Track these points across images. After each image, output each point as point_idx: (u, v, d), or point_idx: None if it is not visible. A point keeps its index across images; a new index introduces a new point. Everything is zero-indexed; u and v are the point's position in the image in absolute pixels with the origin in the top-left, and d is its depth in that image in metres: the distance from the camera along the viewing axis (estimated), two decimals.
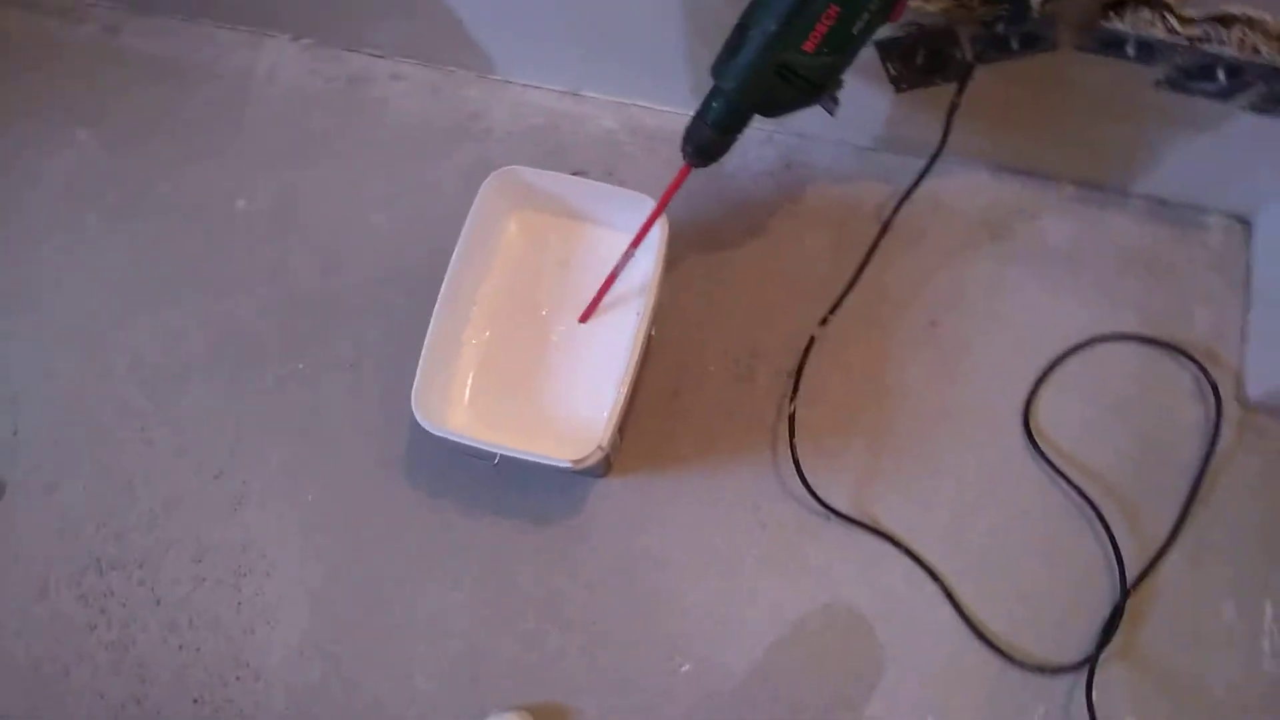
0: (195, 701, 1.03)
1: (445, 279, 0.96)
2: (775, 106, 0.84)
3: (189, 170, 1.23)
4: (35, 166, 1.25)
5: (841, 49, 0.79)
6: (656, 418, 1.08)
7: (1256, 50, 0.77)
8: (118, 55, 1.29)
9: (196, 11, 1.28)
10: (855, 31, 0.78)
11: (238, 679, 1.03)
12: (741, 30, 0.80)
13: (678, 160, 1.17)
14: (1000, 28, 0.80)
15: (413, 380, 1.09)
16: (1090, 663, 0.96)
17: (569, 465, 0.90)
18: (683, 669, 1.00)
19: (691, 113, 1.18)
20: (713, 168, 0.93)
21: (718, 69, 0.84)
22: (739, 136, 0.88)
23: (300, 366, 1.14)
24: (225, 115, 1.25)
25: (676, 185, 0.91)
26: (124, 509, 1.10)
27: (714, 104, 0.86)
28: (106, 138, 1.26)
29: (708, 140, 0.88)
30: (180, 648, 1.05)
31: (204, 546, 1.08)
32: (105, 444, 1.12)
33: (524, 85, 1.24)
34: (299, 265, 1.18)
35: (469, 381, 1.02)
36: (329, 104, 1.25)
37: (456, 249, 0.97)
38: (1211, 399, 1.04)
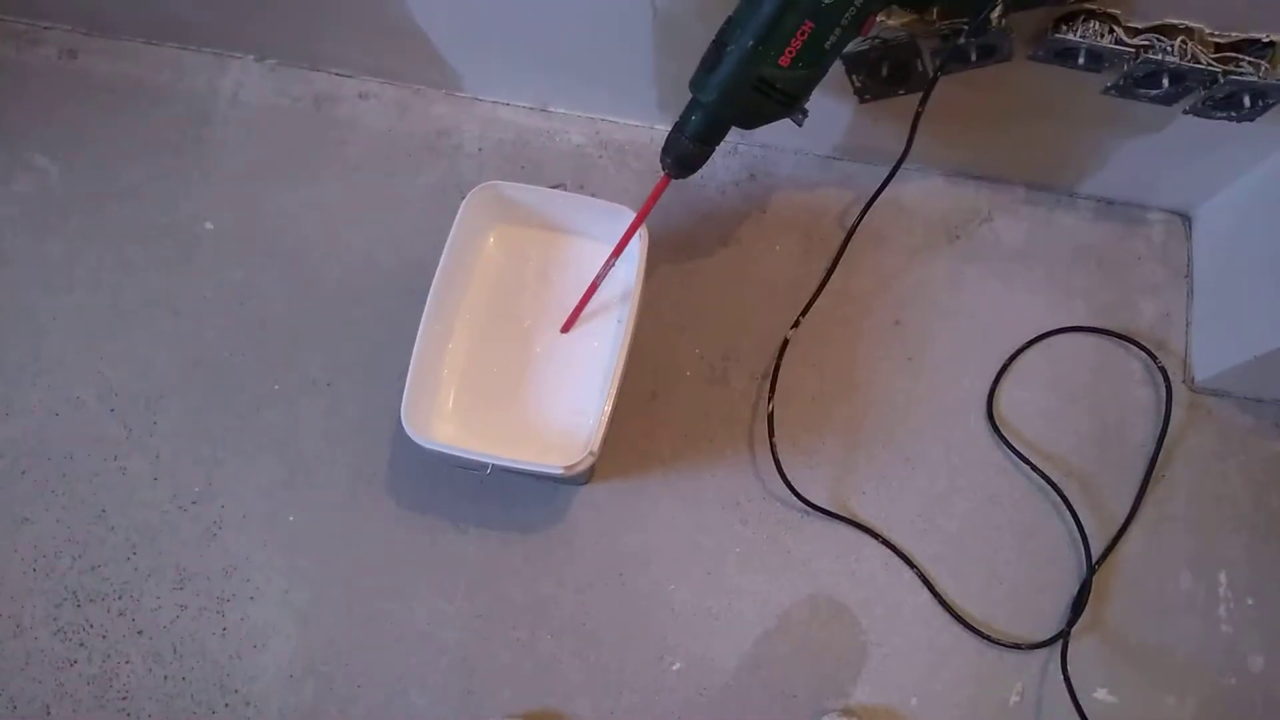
0: None
1: (430, 294, 0.97)
2: (752, 118, 0.87)
3: (153, 194, 1.22)
4: None
5: (815, 63, 0.83)
6: (635, 422, 1.10)
7: (1196, 58, 0.83)
8: (77, 79, 1.27)
9: (158, 33, 1.26)
10: (828, 46, 0.81)
11: (227, 705, 1.02)
12: (719, 46, 0.83)
13: (647, 172, 1.21)
14: (962, 40, 0.85)
15: (389, 397, 1.10)
16: (1063, 637, 1.01)
17: (560, 471, 0.92)
18: (674, 667, 1.03)
19: (659, 126, 1.22)
20: (680, 179, 0.95)
21: (696, 83, 0.86)
22: (716, 147, 0.92)
23: (275, 387, 1.13)
24: (190, 137, 1.24)
25: (656, 195, 0.94)
26: (100, 540, 1.08)
27: (693, 117, 0.88)
28: (67, 163, 1.23)
29: (687, 152, 0.90)
30: (166, 677, 1.03)
31: (185, 574, 1.07)
32: (78, 474, 1.10)
33: (492, 102, 1.25)
34: (269, 286, 1.17)
35: (454, 395, 1.03)
36: (296, 124, 1.25)
37: (440, 264, 0.98)
38: (1161, 383, 1.11)
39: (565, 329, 1.05)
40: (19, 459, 1.11)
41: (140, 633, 1.05)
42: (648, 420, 1.11)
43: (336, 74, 1.27)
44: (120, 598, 1.06)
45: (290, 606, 1.05)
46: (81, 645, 1.04)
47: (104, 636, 1.05)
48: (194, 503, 1.09)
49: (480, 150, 1.23)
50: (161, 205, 1.21)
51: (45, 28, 1.29)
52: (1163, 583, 1.05)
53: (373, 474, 1.09)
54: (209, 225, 1.20)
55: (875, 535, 1.06)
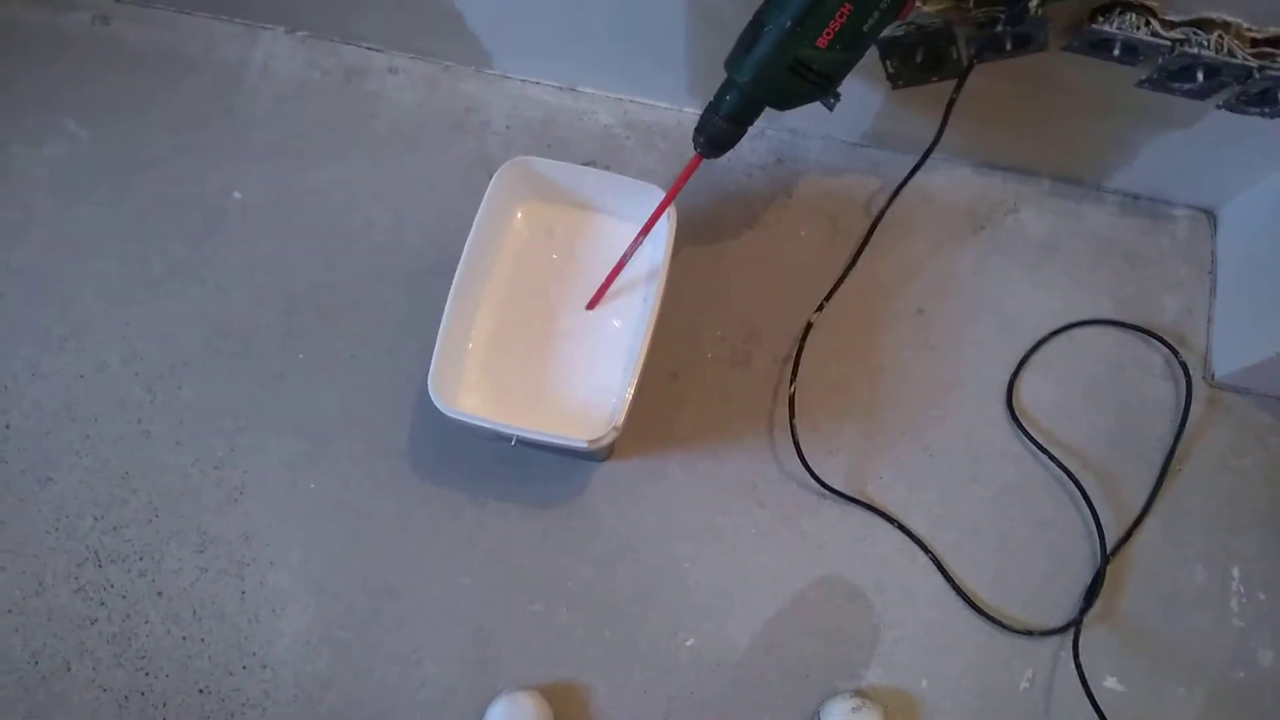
0: (201, 692, 1.03)
1: (459, 266, 0.98)
2: (786, 99, 0.88)
3: (182, 162, 1.22)
4: (23, 158, 1.22)
5: (852, 45, 0.83)
6: (655, 401, 1.11)
7: (1232, 53, 0.83)
8: (109, 45, 1.27)
9: (190, 2, 1.27)
10: (866, 29, 0.82)
11: (244, 668, 1.04)
12: (756, 26, 0.84)
13: (674, 154, 1.22)
14: (999, 28, 0.85)
15: (412, 370, 1.12)
16: (1075, 625, 1.02)
17: (584, 445, 0.92)
18: (687, 643, 1.04)
19: (687, 109, 1.23)
20: (707, 161, 0.96)
21: (732, 63, 0.87)
22: (749, 128, 0.92)
23: (300, 357, 1.14)
24: (219, 107, 1.25)
25: (687, 175, 0.95)
26: (122, 501, 1.09)
27: (727, 96, 0.89)
28: (96, 129, 1.24)
29: (720, 131, 0.91)
30: (184, 639, 1.05)
31: (206, 537, 1.08)
32: (102, 437, 1.11)
33: (521, 80, 1.25)
34: (296, 257, 1.18)
35: (479, 368, 1.04)
36: (325, 97, 1.25)
37: (469, 237, 0.99)
38: (1182, 378, 1.11)
39: (590, 306, 1.05)
40: (44, 420, 1.12)
41: (160, 594, 1.06)
42: (668, 399, 1.12)
43: (367, 48, 1.27)
44: (141, 559, 1.07)
45: (309, 574, 1.06)
46: (102, 604, 1.06)
47: (124, 596, 1.06)
48: (216, 468, 1.10)
49: (508, 128, 1.23)
50: (190, 174, 1.22)
51: None
52: (1176, 575, 1.06)
53: (393, 446, 1.10)
54: (237, 195, 1.21)
55: (891, 520, 1.07)
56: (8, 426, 1.11)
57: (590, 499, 1.09)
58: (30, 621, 1.05)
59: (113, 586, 1.06)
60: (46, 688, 1.03)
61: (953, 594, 1.05)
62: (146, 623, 1.05)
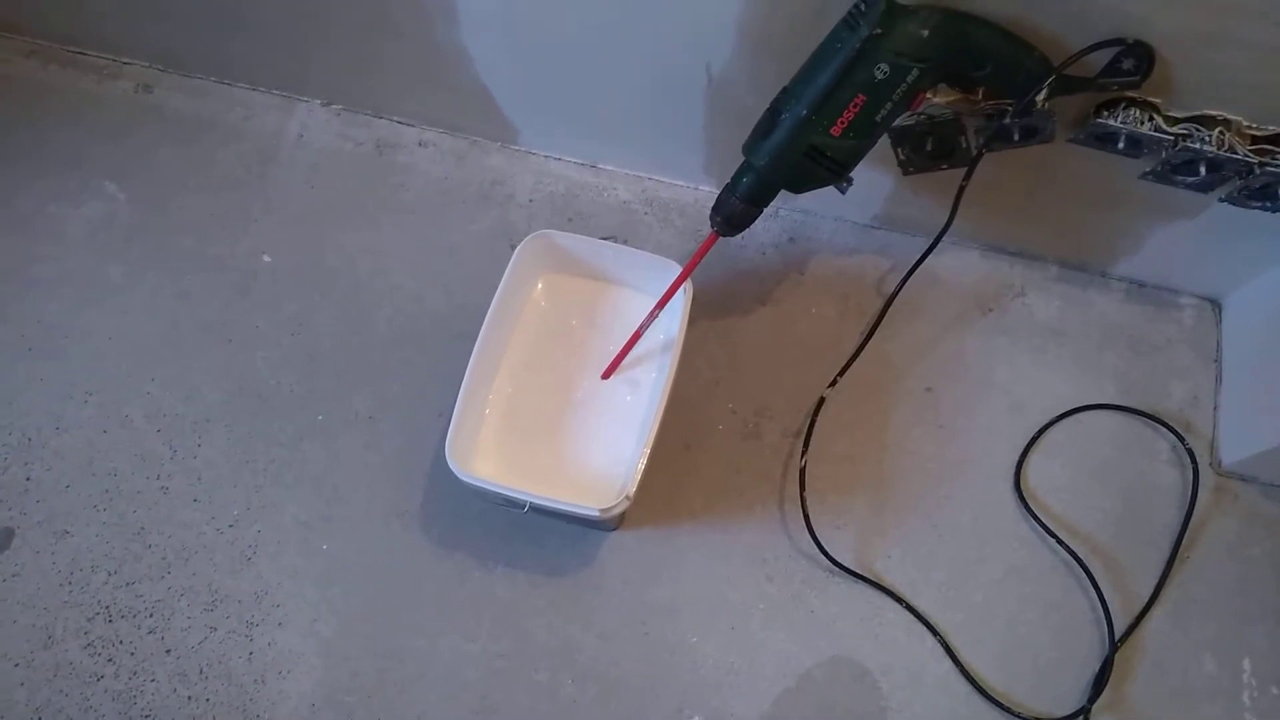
0: None
1: (480, 335, 1.01)
2: (801, 183, 0.91)
3: (215, 225, 1.26)
4: (60, 217, 1.27)
5: (865, 134, 0.87)
6: (666, 472, 1.12)
7: (1233, 149, 0.86)
8: (151, 112, 1.33)
9: (229, 73, 1.33)
10: (878, 119, 0.86)
11: None
12: (774, 114, 0.88)
13: (690, 230, 1.25)
14: (1006, 120, 0.89)
15: (429, 434, 1.14)
16: (1084, 714, 1.01)
17: (596, 514, 0.93)
18: (693, 719, 1.03)
19: (703, 187, 1.27)
20: (723, 239, 0.99)
21: (750, 147, 0.91)
22: (764, 209, 0.95)
23: (319, 418, 1.16)
24: (254, 174, 1.29)
25: (704, 251, 0.98)
26: (136, 557, 1.10)
27: (744, 179, 0.93)
28: (134, 191, 1.29)
29: (736, 211, 0.95)
30: (190, 698, 1.04)
31: (217, 596, 1.08)
32: (120, 492, 1.12)
33: (545, 156, 1.30)
34: (321, 320, 1.21)
35: (494, 434, 1.06)
36: (357, 167, 1.30)
37: (491, 307, 1.02)
38: (1188, 465, 1.12)
39: (606, 375, 1.08)
40: (66, 473, 1.13)
41: (168, 652, 1.06)
42: (679, 471, 1.13)
43: (399, 122, 1.32)
44: (151, 615, 1.07)
45: (317, 635, 1.06)
46: (110, 661, 1.06)
47: (132, 653, 1.06)
48: (231, 526, 1.11)
49: (531, 201, 1.27)
50: (223, 237, 1.26)
51: (124, 63, 1.36)
52: (1186, 665, 1.05)
53: (407, 509, 1.11)
54: (267, 259, 1.24)
55: (899, 600, 1.07)
56: (28, 479, 1.13)
57: (599, 569, 1.09)
58: (36, 675, 1.05)
59: (121, 643, 1.06)
60: None
61: (961, 678, 1.04)
62: (153, 680, 1.05)
